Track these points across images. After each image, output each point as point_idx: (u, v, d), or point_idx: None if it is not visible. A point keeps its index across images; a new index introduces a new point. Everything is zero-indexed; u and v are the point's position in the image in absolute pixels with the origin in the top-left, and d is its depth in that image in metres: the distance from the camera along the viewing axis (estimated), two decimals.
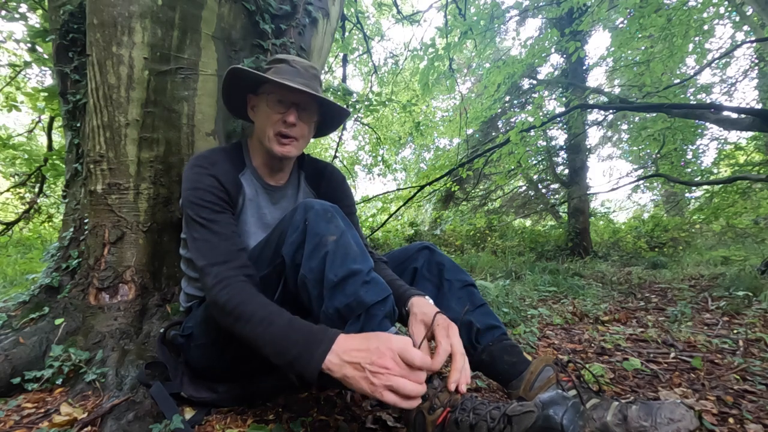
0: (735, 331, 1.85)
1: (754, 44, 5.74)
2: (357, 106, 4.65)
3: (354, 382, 0.67)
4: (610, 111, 6.45)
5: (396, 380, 0.65)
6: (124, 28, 1.23)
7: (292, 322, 0.76)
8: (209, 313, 0.99)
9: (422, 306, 0.89)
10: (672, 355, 1.55)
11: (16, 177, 5.74)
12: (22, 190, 5.45)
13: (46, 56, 2.79)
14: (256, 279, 0.89)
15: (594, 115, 7.64)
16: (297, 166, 1.20)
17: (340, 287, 0.78)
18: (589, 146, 8.56)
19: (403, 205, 5.70)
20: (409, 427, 0.78)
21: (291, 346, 0.72)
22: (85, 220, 1.30)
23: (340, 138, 6.18)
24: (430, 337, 0.83)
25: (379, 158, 10.02)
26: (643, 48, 5.42)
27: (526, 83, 8.46)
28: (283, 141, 1.02)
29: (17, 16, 2.52)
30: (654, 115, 5.46)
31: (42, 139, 5.51)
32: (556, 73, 7.92)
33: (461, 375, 0.76)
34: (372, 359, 0.66)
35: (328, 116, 1.16)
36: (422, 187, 5.30)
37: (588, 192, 7.30)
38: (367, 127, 7.62)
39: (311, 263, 0.81)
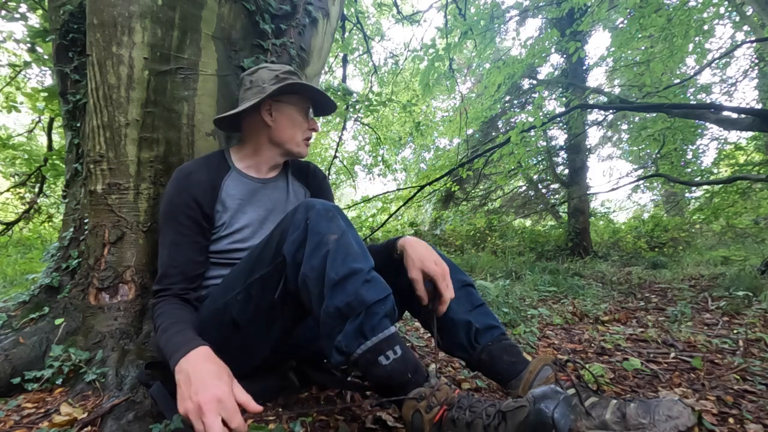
0: (735, 331, 1.85)
1: (754, 44, 5.74)
2: (357, 106, 4.65)
3: (177, 395, 0.73)
4: (610, 111, 6.45)
5: (209, 419, 0.67)
6: (124, 28, 1.23)
7: (172, 326, 0.87)
8: (208, 314, 1.00)
9: (416, 247, 0.99)
10: (672, 355, 1.55)
11: (16, 177, 5.74)
12: (22, 190, 5.45)
13: (46, 56, 2.79)
14: (193, 296, 1.02)
15: (594, 115, 7.65)
16: (284, 162, 1.28)
17: (341, 286, 0.78)
18: (589, 146, 8.56)
19: (403, 205, 5.70)
20: (407, 427, 0.78)
21: (168, 348, 0.82)
22: (85, 220, 1.31)
23: (340, 138, 6.17)
24: (430, 281, 0.95)
25: (379, 158, 10.02)
26: (643, 48, 5.42)
27: (526, 83, 8.46)
28: (307, 143, 1.22)
29: (17, 16, 2.52)
30: (654, 115, 5.46)
31: (42, 139, 5.51)
32: (556, 73, 7.92)
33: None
34: (198, 389, 0.69)
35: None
36: (422, 187, 5.31)
37: (588, 192, 7.29)
38: (367, 127, 7.63)
39: (312, 262, 0.81)
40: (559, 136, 8.59)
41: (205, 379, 0.71)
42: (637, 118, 7.43)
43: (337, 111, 1.18)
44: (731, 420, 1.01)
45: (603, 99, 6.65)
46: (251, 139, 1.19)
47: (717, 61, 6.09)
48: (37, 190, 4.54)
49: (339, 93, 4.13)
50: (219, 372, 0.74)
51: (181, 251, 1.02)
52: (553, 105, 8.33)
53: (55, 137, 4.35)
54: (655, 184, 9.97)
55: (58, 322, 1.20)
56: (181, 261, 1.01)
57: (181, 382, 0.73)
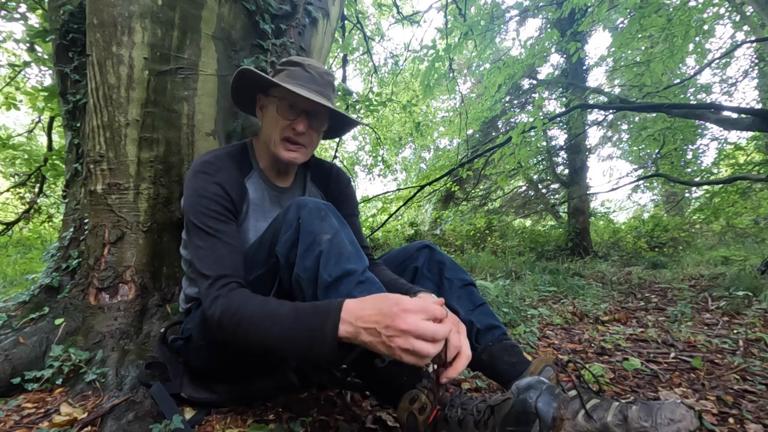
0: (735, 331, 1.85)
1: (754, 44, 5.74)
2: (357, 107, 4.65)
3: (372, 346, 0.67)
4: (610, 111, 6.45)
5: (413, 343, 0.64)
6: (124, 28, 1.23)
7: (295, 307, 0.75)
8: (205, 318, 0.98)
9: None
10: (672, 355, 1.55)
11: (16, 177, 5.74)
12: (22, 190, 5.46)
13: (46, 56, 2.79)
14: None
15: (594, 115, 7.64)
16: (303, 167, 1.18)
17: (334, 287, 0.77)
18: (589, 146, 8.56)
19: (403, 205, 5.70)
20: (403, 428, 0.78)
21: (301, 330, 0.71)
22: (85, 220, 1.30)
23: (341, 138, 6.18)
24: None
25: (379, 158, 10.02)
26: (643, 48, 5.42)
27: (526, 83, 8.46)
28: (290, 147, 1.02)
29: (17, 16, 2.52)
30: (654, 115, 5.46)
31: (42, 139, 5.51)
32: (556, 73, 7.92)
33: (457, 374, 0.76)
34: (386, 323, 0.65)
35: (338, 123, 1.16)
36: (422, 187, 5.31)
37: (588, 192, 7.30)
38: (367, 127, 7.64)
39: (305, 262, 0.80)
40: (559, 136, 8.60)
41: (386, 323, 0.65)
42: (637, 118, 7.43)
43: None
44: (731, 420, 1.01)
45: (603, 99, 6.65)
46: (262, 134, 1.09)
47: (717, 61, 6.09)
48: (37, 190, 4.54)
49: (339, 93, 4.13)
50: (386, 308, 0.67)
51: (230, 238, 0.91)
52: (553, 105, 8.34)
53: (55, 137, 4.35)
54: (655, 184, 9.98)
55: (58, 322, 1.20)
56: (234, 246, 0.91)
57: (369, 342, 0.67)
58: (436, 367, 0.77)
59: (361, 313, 0.68)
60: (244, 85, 1.03)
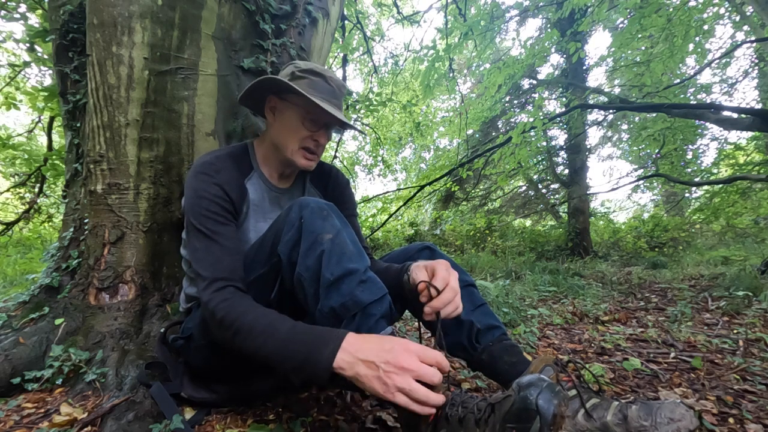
0: (735, 331, 1.85)
1: (754, 44, 5.74)
2: (357, 107, 4.65)
3: (366, 380, 0.67)
4: (610, 111, 6.45)
5: (410, 383, 0.65)
6: (124, 28, 1.23)
7: (295, 327, 0.76)
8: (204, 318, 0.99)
9: (422, 261, 0.93)
10: (672, 355, 1.55)
11: (16, 177, 5.75)
12: (22, 190, 5.46)
13: (46, 56, 2.79)
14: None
15: (594, 115, 7.65)
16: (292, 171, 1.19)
17: (336, 286, 0.77)
18: (589, 146, 8.56)
19: (403, 205, 5.70)
20: (403, 428, 0.78)
21: (297, 351, 0.73)
22: (85, 220, 1.31)
23: (340, 138, 6.18)
24: (432, 276, 0.87)
25: (379, 159, 10.03)
26: (643, 48, 5.42)
27: (526, 83, 8.46)
28: (309, 156, 1.07)
29: (17, 16, 2.52)
30: (654, 115, 5.46)
31: (42, 139, 5.52)
32: (556, 73, 7.92)
33: (443, 305, 0.82)
34: (387, 358, 0.66)
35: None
36: (422, 187, 5.30)
37: (588, 192, 7.30)
38: (367, 127, 7.63)
39: (307, 261, 0.80)
40: (559, 136, 8.60)
41: (386, 359, 0.66)
42: (637, 118, 7.43)
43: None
44: (731, 420, 1.01)
45: (603, 99, 6.65)
46: (267, 136, 1.11)
47: (717, 61, 6.09)
48: (37, 190, 4.54)
49: None
50: (387, 345, 0.68)
51: (228, 241, 0.92)
52: (553, 105, 8.34)
53: (55, 137, 4.35)
54: (655, 184, 9.98)
55: (58, 322, 1.20)
56: (231, 248, 0.92)
57: (364, 376, 0.67)
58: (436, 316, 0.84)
59: (363, 346, 0.69)
60: (258, 86, 1.04)
